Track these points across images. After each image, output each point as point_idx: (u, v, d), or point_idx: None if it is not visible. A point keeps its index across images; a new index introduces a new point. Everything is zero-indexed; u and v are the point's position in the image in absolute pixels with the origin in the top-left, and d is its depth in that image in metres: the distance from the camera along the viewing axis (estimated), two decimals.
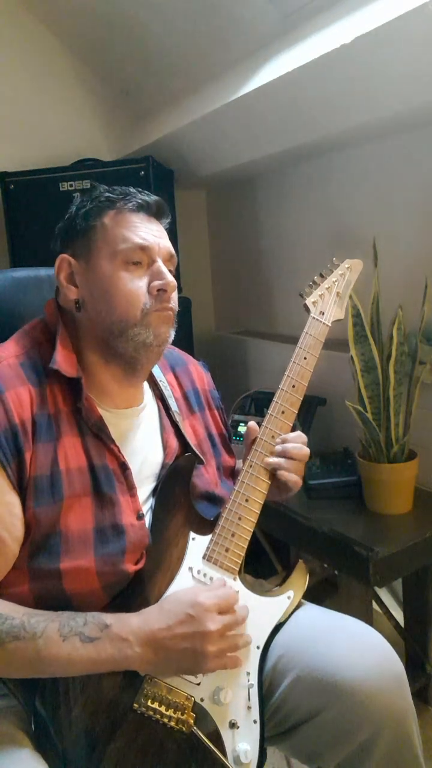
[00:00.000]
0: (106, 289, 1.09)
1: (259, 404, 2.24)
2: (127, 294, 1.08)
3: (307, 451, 1.17)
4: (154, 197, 1.15)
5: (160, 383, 1.25)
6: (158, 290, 1.10)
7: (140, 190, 1.15)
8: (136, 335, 1.09)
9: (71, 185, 2.20)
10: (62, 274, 1.13)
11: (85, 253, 1.12)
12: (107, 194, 1.13)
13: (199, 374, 1.36)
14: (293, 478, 1.15)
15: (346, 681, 1.01)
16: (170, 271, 1.14)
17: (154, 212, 1.15)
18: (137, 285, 1.09)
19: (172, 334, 1.14)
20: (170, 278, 1.11)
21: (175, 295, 1.14)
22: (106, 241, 1.10)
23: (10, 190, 2.25)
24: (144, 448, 1.16)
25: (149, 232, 1.11)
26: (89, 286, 1.11)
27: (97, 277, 1.10)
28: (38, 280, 1.37)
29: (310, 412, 2.09)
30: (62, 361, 1.08)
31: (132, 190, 1.15)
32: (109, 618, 0.97)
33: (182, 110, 2.22)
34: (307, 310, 1.26)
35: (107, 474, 1.07)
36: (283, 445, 1.15)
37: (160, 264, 1.11)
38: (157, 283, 1.10)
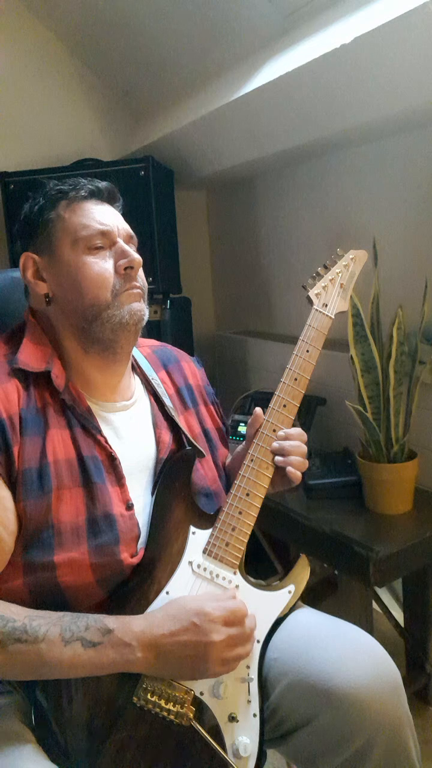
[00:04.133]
0: (73, 277, 1.10)
1: (260, 404, 2.21)
2: (94, 278, 1.10)
3: (304, 448, 1.17)
4: (104, 183, 1.18)
5: (152, 380, 1.25)
6: (125, 269, 1.12)
7: (89, 178, 1.18)
8: (112, 317, 1.10)
9: None
10: (28, 271, 1.15)
11: (47, 247, 1.13)
12: (58, 187, 1.15)
13: (192, 370, 1.37)
14: (297, 474, 1.16)
15: (340, 687, 1.00)
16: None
17: (105, 197, 1.17)
18: (103, 267, 1.11)
19: (146, 311, 1.16)
20: (135, 255, 1.13)
21: (141, 273, 1.16)
22: (66, 231, 1.12)
23: (10, 190, 2.25)
24: (135, 442, 1.17)
25: (106, 216, 1.14)
26: (57, 278, 1.13)
27: (62, 267, 1.12)
28: None
29: (310, 412, 2.09)
30: (27, 357, 1.09)
31: (81, 179, 1.17)
32: (111, 622, 0.96)
33: (182, 110, 2.23)
34: (310, 302, 1.25)
35: (96, 465, 1.08)
36: (280, 442, 1.16)
37: (122, 243, 1.13)
38: (122, 261, 1.12)
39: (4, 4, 2.39)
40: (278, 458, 1.15)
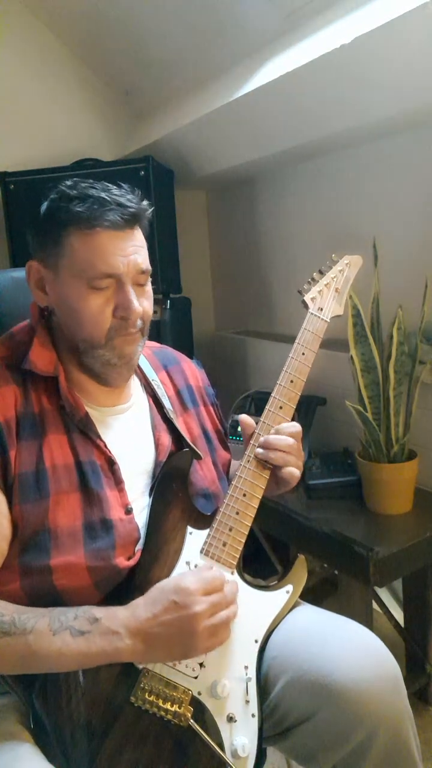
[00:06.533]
0: (72, 307, 1.08)
1: (259, 404, 2.23)
2: (91, 317, 1.07)
3: (290, 441, 1.14)
4: (128, 208, 1.08)
5: (152, 382, 1.25)
6: (123, 317, 1.09)
7: (114, 197, 1.07)
8: (102, 356, 1.10)
9: None
10: (32, 280, 1.12)
11: (53, 264, 1.09)
12: (77, 208, 1.05)
13: (193, 372, 1.37)
14: (288, 471, 1.14)
15: (340, 683, 1.00)
16: (141, 285, 1.11)
17: (125, 226, 1.08)
18: (102, 309, 1.07)
19: (140, 351, 1.15)
20: (135, 306, 1.07)
21: (148, 305, 1.12)
22: (74, 261, 1.06)
23: (10, 190, 2.25)
24: (134, 445, 1.17)
25: (118, 254, 1.06)
26: (57, 298, 1.10)
27: (64, 292, 1.08)
28: None
29: (310, 412, 2.09)
30: (37, 359, 1.09)
31: (104, 197, 1.07)
32: (98, 612, 0.97)
33: (182, 110, 2.23)
34: (306, 306, 1.25)
35: (94, 470, 1.08)
36: (266, 436, 1.15)
37: (127, 290, 1.08)
38: (120, 311, 1.08)
39: (3, 3, 2.39)
40: (258, 450, 1.14)
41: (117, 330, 1.09)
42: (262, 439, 1.15)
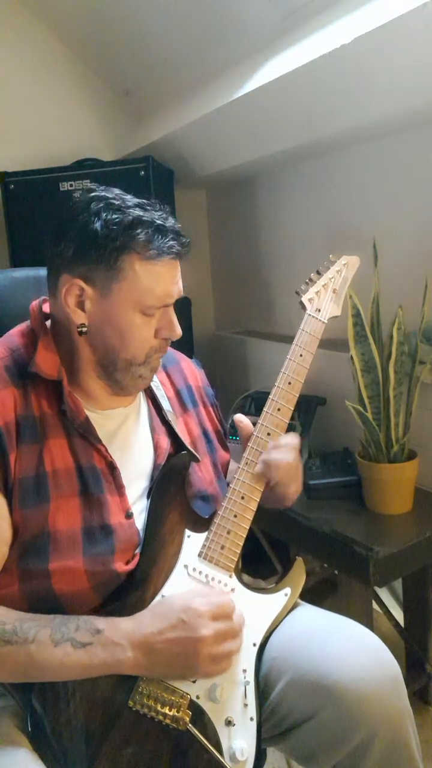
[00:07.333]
0: (121, 330, 1.07)
1: (259, 404, 2.21)
2: (140, 340, 1.09)
3: (290, 458, 1.15)
4: (183, 237, 1.09)
5: (152, 383, 1.25)
6: (165, 338, 1.12)
7: (166, 221, 1.08)
8: (136, 371, 1.11)
9: (71, 185, 2.21)
10: (71, 298, 1.07)
11: (105, 286, 1.05)
12: (141, 236, 1.04)
13: (192, 372, 1.37)
14: (285, 489, 1.16)
15: (340, 683, 1.00)
16: None
17: (182, 255, 1.10)
18: (149, 333, 1.10)
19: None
20: (179, 330, 1.12)
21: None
22: (133, 287, 1.05)
23: (10, 190, 2.26)
24: (133, 448, 1.17)
25: (173, 283, 1.09)
26: (102, 318, 1.07)
27: (113, 314, 1.07)
28: (38, 280, 1.37)
29: (310, 412, 2.09)
30: (42, 363, 1.08)
31: (164, 225, 1.06)
32: (101, 623, 0.97)
33: (182, 110, 2.23)
34: (303, 307, 1.26)
35: (95, 474, 1.08)
36: (266, 454, 1.15)
37: (172, 314, 1.12)
38: (167, 333, 1.11)
39: (3, 3, 2.39)
40: (258, 468, 1.14)
41: (157, 350, 1.12)
42: (263, 456, 1.15)
